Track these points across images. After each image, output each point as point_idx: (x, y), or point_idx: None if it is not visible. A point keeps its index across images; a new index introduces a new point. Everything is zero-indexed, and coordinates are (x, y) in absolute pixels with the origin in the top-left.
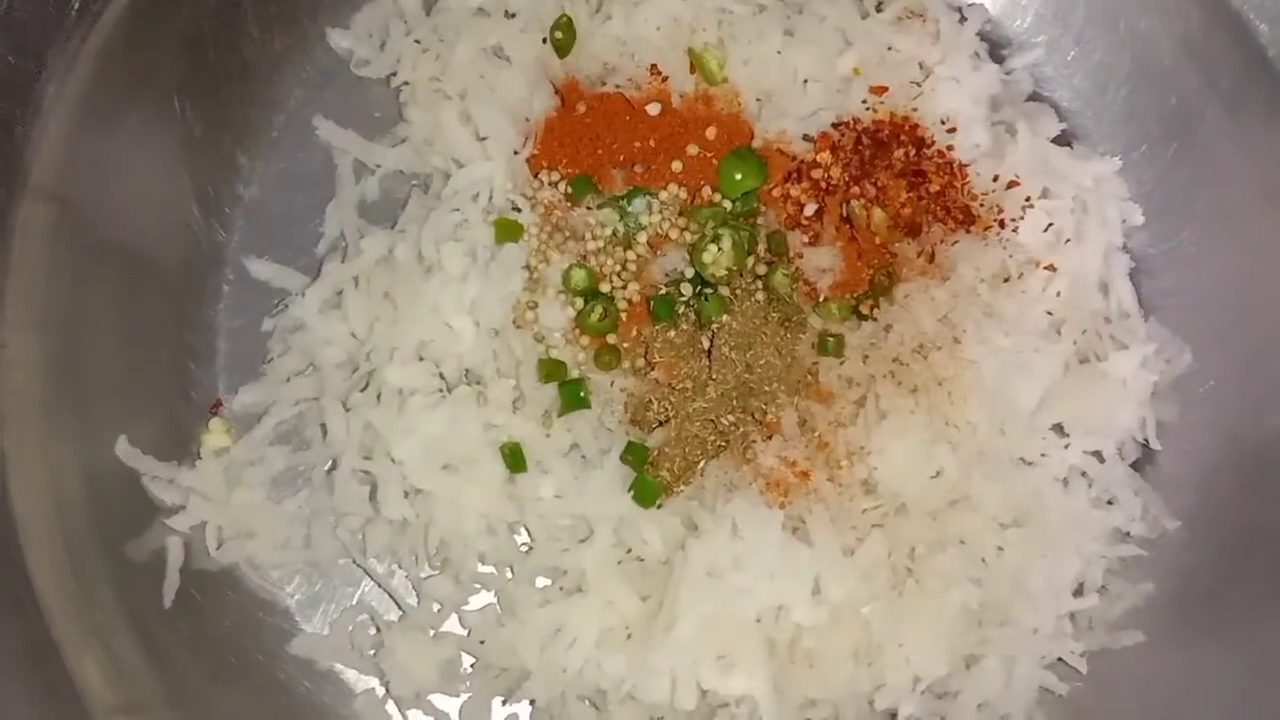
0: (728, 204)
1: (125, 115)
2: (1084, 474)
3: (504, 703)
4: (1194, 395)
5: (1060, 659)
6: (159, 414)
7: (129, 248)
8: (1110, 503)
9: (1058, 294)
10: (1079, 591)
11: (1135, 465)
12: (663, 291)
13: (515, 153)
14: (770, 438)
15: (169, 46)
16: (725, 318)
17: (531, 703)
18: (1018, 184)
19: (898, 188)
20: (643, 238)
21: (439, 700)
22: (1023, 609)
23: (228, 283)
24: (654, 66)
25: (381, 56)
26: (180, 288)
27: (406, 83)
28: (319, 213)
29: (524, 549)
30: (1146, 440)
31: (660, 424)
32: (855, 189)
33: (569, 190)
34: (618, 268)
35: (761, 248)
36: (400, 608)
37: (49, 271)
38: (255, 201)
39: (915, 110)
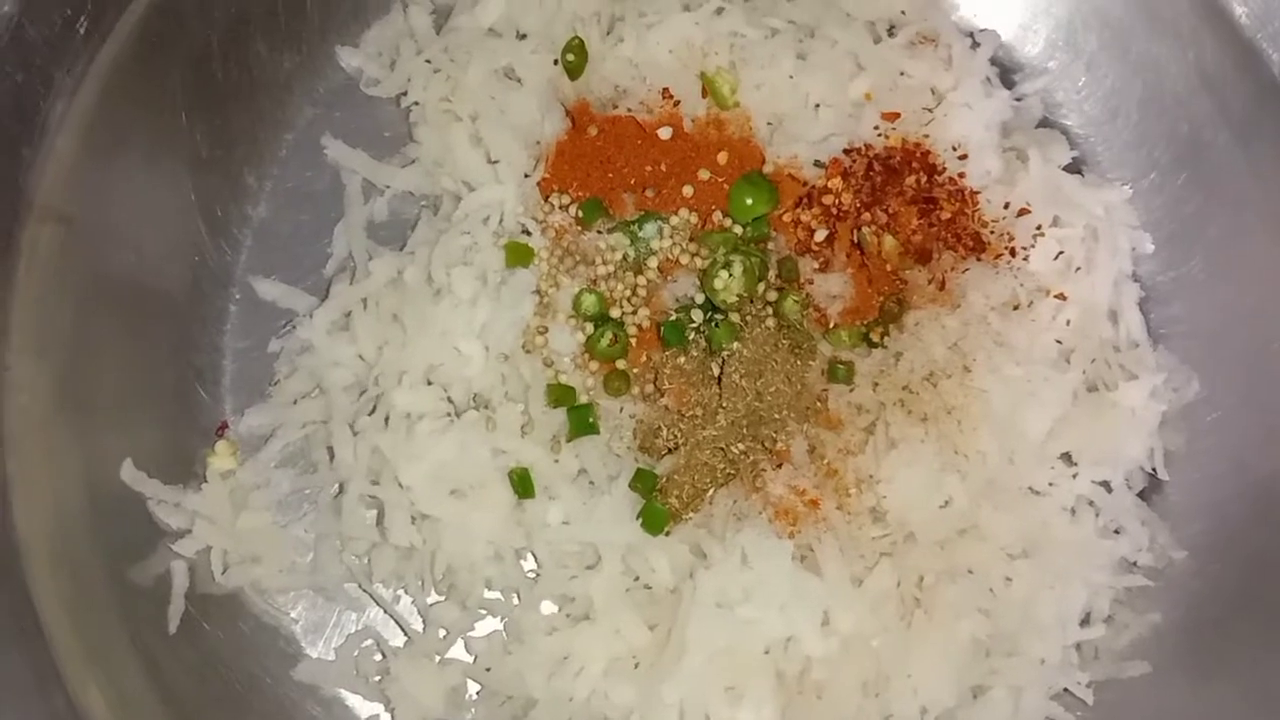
0: (739, 229)
1: (133, 134)
2: (1091, 503)
3: None
4: (1202, 424)
5: (1066, 689)
6: (164, 436)
7: (135, 268)
8: (1118, 532)
9: (1067, 322)
10: (1086, 621)
11: (1143, 495)
12: (673, 317)
13: (526, 176)
14: (780, 466)
15: (177, 65)
16: (736, 344)
17: None
18: (1028, 211)
19: (909, 214)
20: (653, 263)
21: None
22: (1030, 639)
23: (234, 303)
24: (665, 90)
25: (391, 76)
26: (187, 308)
27: (416, 103)
28: (327, 233)
29: (531, 575)
30: (1154, 470)
31: (669, 451)
32: (866, 215)
33: (580, 214)
34: (628, 293)
35: (772, 274)
36: (406, 633)
37: (54, 292)
38: (263, 221)
39: (927, 136)
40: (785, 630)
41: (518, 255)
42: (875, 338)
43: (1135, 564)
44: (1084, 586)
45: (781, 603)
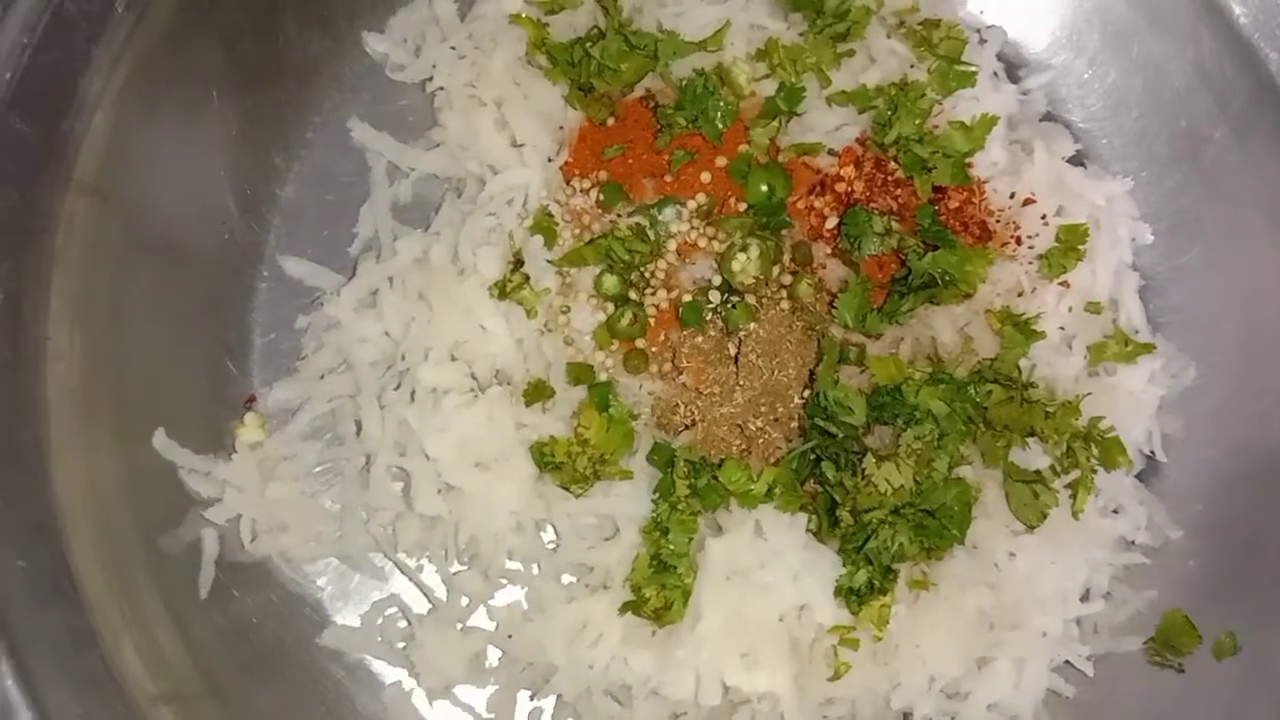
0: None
1: (167, 113)
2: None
3: (531, 697)
4: (1198, 409)
5: (1067, 662)
6: (195, 408)
7: (168, 243)
8: (1116, 512)
9: (1069, 309)
10: (1086, 597)
11: (1141, 476)
12: (691, 298)
13: (549, 160)
14: (792, 441)
15: (210, 46)
16: (752, 325)
17: (557, 696)
18: (1033, 201)
19: (918, 202)
20: (672, 245)
21: (466, 692)
22: (1032, 613)
23: (263, 280)
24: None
25: (417, 62)
26: (217, 284)
27: (442, 88)
28: (353, 214)
29: (551, 546)
30: (1153, 452)
31: (686, 427)
32: (876, 203)
33: (601, 198)
34: (647, 274)
35: (787, 258)
36: (430, 601)
37: (91, 265)
38: (290, 201)
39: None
40: (798, 599)
41: (544, 236)
42: (885, 322)
43: (1133, 543)
44: (1084, 563)
45: (795, 572)
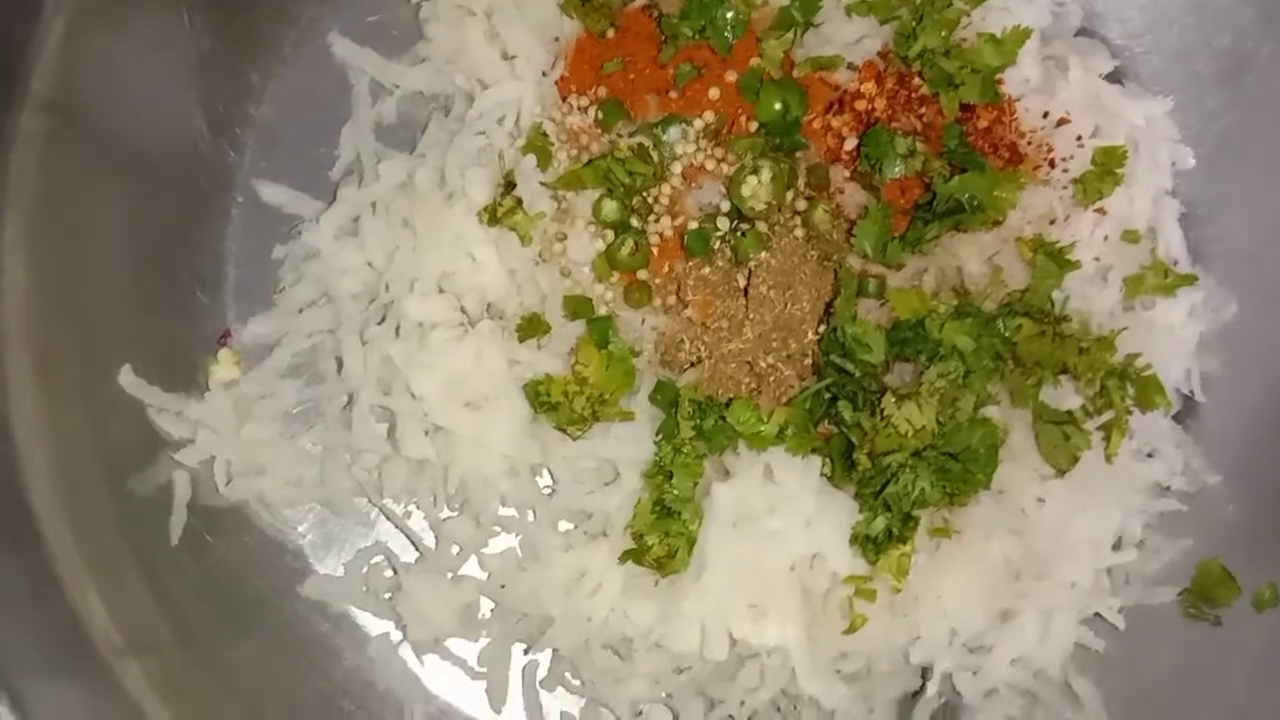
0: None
1: (132, 23)
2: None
3: (526, 650)
4: (1239, 346)
5: (1097, 614)
6: (164, 343)
7: (133, 166)
8: (1151, 455)
9: (1105, 238)
10: (1118, 546)
11: (1177, 417)
12: (697, 226)
13: (544, 74)
14: (805, 379)
15: None
16: (763, 255)
17: (554, 650)
18: (1068, 121)
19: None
20: (677, 168)
21: (457, 645)
22: (1061, 562)
23: (237, 206)
24: None
25: None
26: (187, 210)
27: None
28: (334, 135)
29: (547, 491)
30: (1190, 392)
31: (692, 364)
32: (899, 122)
33: (599, 116)
34: (650, 199)
35: (801, 182)
36: (418, 549)
37: (48, 188)
38: (267, 122)
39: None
40: (811, 547)
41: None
42: (907, 251)
43: (1169, 488)
44: (1117, 510)
45: (808, 519)
